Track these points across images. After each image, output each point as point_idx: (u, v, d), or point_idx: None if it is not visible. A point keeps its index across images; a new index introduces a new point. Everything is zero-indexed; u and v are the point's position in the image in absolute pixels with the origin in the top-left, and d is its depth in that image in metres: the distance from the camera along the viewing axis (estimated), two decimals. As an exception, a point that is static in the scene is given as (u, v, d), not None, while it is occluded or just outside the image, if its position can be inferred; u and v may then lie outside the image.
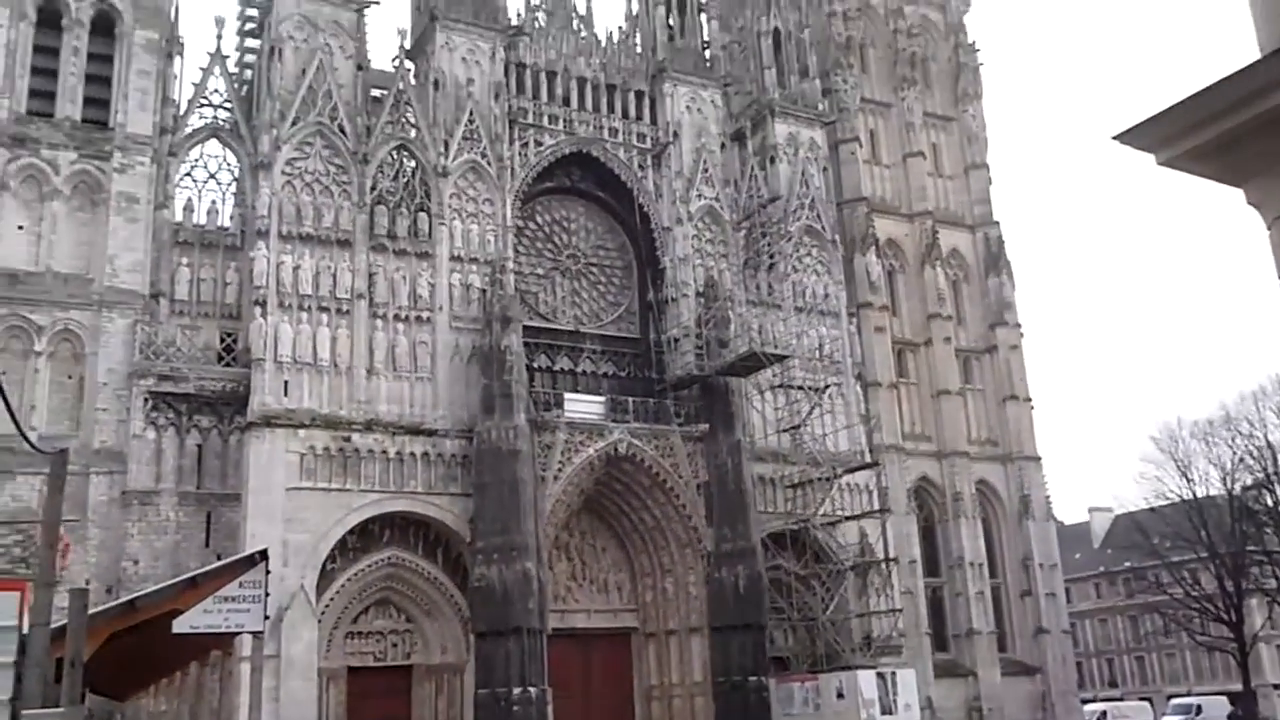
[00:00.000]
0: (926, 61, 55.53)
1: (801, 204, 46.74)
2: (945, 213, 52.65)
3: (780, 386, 42.65)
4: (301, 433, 34.57)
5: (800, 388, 42.87)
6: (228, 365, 36.02)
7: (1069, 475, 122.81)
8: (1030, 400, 50.99)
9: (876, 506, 43.67)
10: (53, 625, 11.27)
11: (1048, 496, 50.58)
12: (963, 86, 55.01)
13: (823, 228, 46.92)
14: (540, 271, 42.63)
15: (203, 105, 38.50)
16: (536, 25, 44.08)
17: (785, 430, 42.13)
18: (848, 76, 51.36)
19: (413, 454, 36.17)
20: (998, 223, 53.16)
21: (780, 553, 40.48)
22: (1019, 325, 51.86)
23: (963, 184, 53.95)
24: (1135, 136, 5.07)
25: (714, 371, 40.94)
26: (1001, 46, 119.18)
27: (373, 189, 38.36)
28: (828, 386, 43.49)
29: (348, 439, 35.26)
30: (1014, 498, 49.63)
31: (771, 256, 45.24)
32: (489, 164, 40.43)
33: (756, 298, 44.43)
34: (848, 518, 42.52)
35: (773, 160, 47.38)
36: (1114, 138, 5.11)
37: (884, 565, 42.09)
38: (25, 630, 10.68)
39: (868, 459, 44.36)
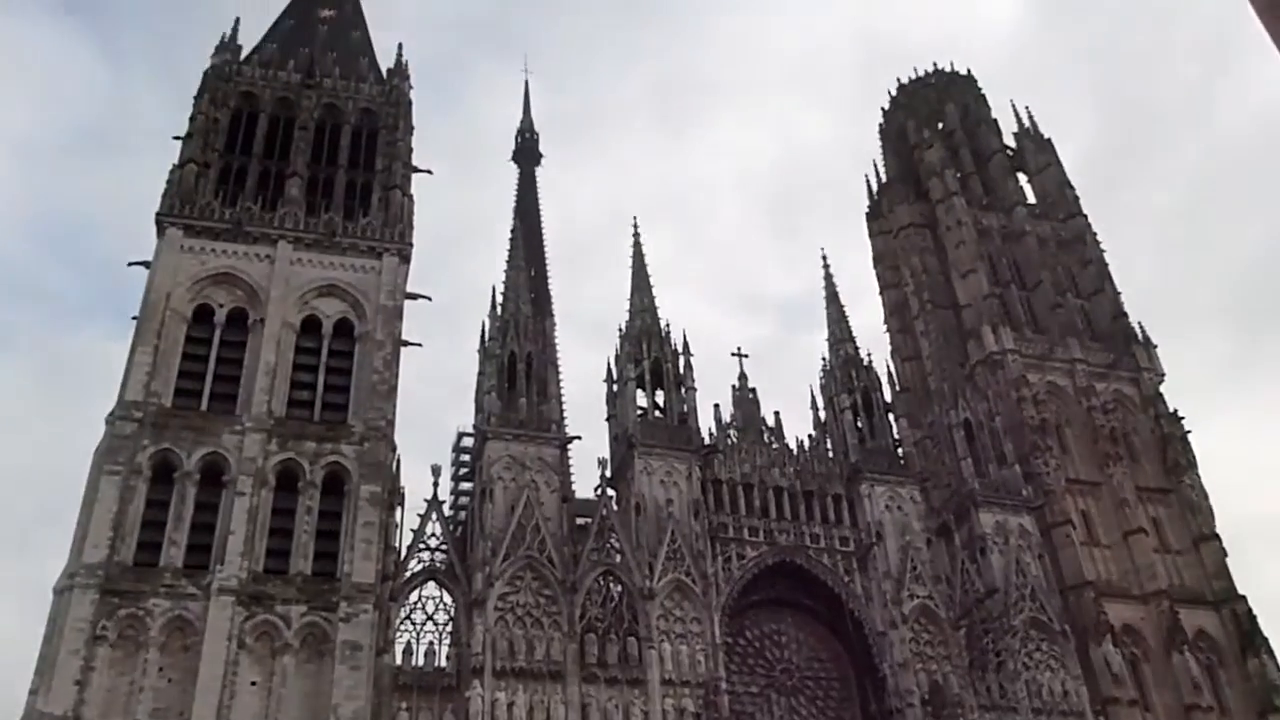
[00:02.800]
0: (1129, 435, 54.25)
1: (1021, 595, 44.47)
2: (1182, 590, 49.01)
3: (1031, 803, 38.47)
4: None
5: (1054, 803, 38.57)
6: (444, 814, 35.10)
7: None
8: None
9: None
10: None
11: None
12: (1172, 458, 53.06)
13: (1049, 618, 44.19)
14: (755, 690, 41.11)
15: (421, 550, 40.41)
16: (729, 442, 45.58)
17: None
18: (1048, 459, 50.44)
19: None
20: (1244, 597, 48.95)
21: None
22: (1294, 712, 46.10)
23: (1194, 558, 50.53)
24: None
25: (953, 790, 37.43)
26: (1209, 411, 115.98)
27: (581, 617, 38.66)
28: (1085, 799, 39.02)
29: None
30: None
31: (998, 654, 42.52)
32: (694, 582, 40.48)
33: (989, 701, 41.31)
34: None
35: (983, 552, 45.83)
36: None
37: None
38: None
39: None
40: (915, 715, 39.97)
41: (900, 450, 47.82)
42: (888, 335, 61.39)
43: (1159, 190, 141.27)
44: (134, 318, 43.36)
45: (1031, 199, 64.36)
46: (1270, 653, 47.49)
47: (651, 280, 49.08)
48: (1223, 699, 46.67)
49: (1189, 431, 54.52)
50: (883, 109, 71.38)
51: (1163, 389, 56.17)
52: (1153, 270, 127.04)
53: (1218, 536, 51.00)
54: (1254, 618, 48.37)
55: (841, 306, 52.02)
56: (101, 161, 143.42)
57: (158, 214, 45.69)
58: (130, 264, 45.26)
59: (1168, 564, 50.14)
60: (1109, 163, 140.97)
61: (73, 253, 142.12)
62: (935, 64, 71.59)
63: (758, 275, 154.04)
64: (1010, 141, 67.45)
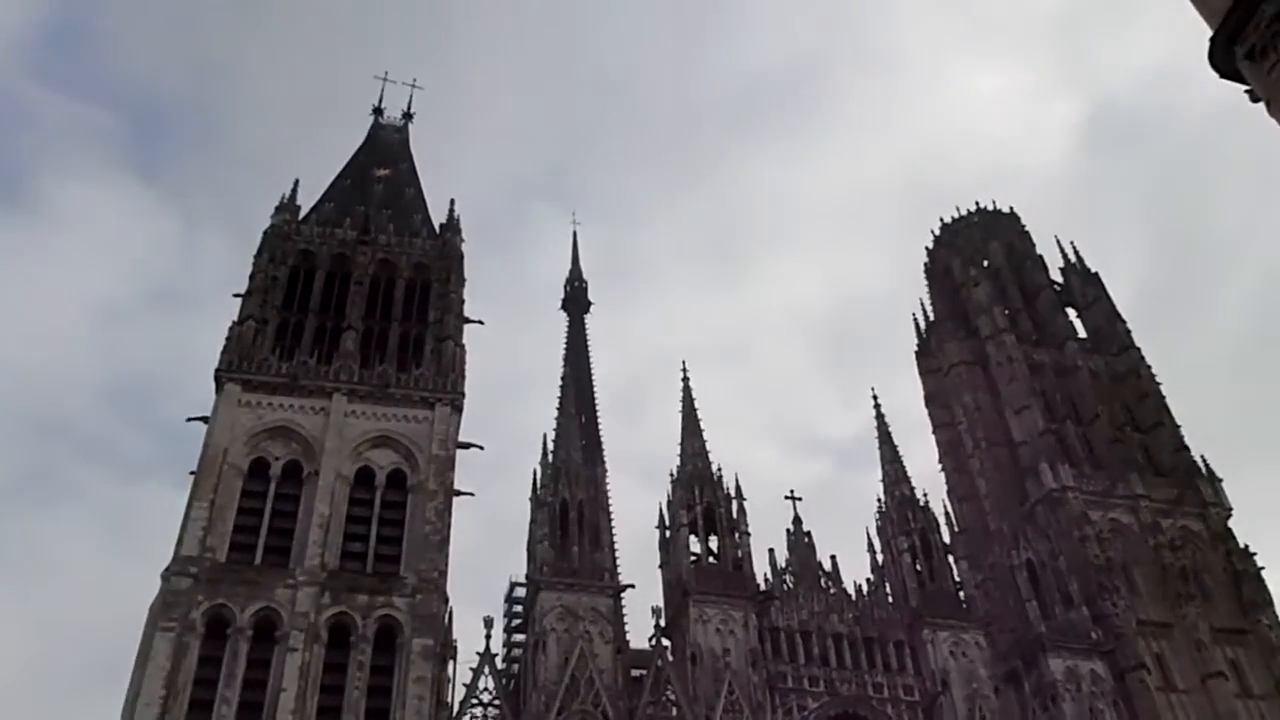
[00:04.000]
0: (1199, 573, 52.42)
1: (1099, 746, 42.51)
2: (1268, 738, 46.60)
3: None
4: None
5: None
6: None
7: None
8: None
9: None
10: None
11: None
12: (1248, 596, 51.13)
13: (1129, 771, 42.10)
14: None
15: (474, 705, 39.58)
16: (785, 588, 44.71)
17: None
18: (1116, 600, 48.81)
19: None
20: (1336, 749, 46.43)
21: None
22: None
23: (1278, 702, 48.12)
24: None
25: None
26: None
27: (639, 775, 37.42)
28: None
29: None
30: None
31: (1077, 811, 40.38)
32: (754, 735, 39.17)
33: None
34: None
35: (1054, 699, 44.06)
36: None
37: None
38: None
39: None
40: None
41: (962, 593, 46.56)
42: (943, 475, 60.50)
43: (1218, 321, 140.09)
44: (191, 472, 43.95)
45: (1082, 333, 64.00)
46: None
47: (703, 423, 49.12)
48: None
49: (1263, 568, 52.69)
50: (927, 248, 71.98)
51: (1231, 524, 54.55)
52: (1215, 403, 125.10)
53: (1304, 681, 48.71)
54: (1349, 768, 45.78)
55: (895, 447, 51.55)
56: (171, 319, 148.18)
57: (216, 370, 46.67)
58: (189, 419, 46.17)
59: (1251, 709, 47.80)
60: (1165, 296, 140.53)
61: (141, 409, 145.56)
62: (978, 202, 72.49)
63: (811, 417, 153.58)
64: (1057, 277, 67.52)
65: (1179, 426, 58.52)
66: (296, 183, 56.54)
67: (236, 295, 50.30)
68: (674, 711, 39.75)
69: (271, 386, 46.67)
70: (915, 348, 67.03)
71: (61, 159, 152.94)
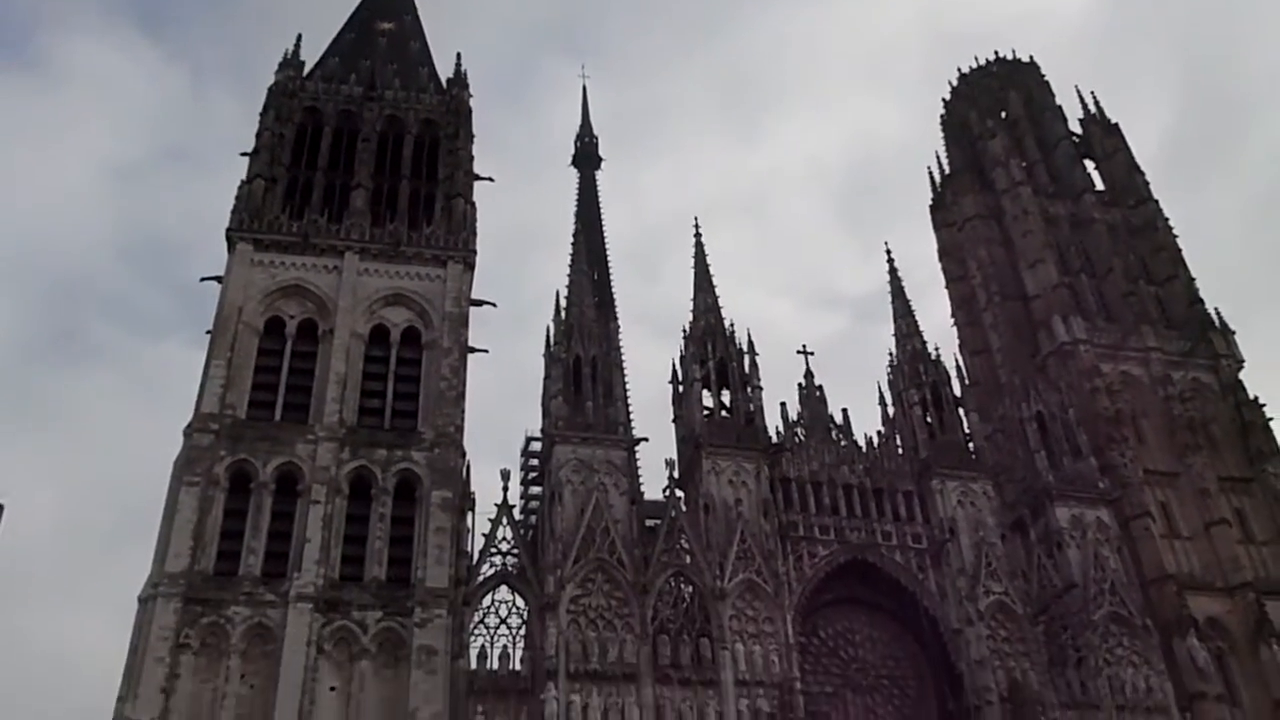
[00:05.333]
0: (1208, 424, 52.92)
1: (1101, 589, 43.58)
2: (1268, 583, 47.64)
3: (1117, 802, 37.66)
4: None
5: (1140, 801, 37.70)
6: (522, 817, 35.31)
7: None
8: None
9: None
10: None
11: None
12: (1255, 446, 51.68)
13: (1130, 613, 43.25)
14: (829, 689, 40.75)
15: (493, 554, 40.59)
16: (797, 440, 45.27)
17: None
18: (1124, 450, 49.43)
19: None
20: (1333, 588, 47.54)
21: None
22: (1391, 704, 44.64)
23: (1277, 551, 49.13)
24: None
25: (1036, 789, 36.83)
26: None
27: (654, 619, 38.67)
28: (1173, 797, 38.08)
29: None
30: None
31: (1078, 650, 41.70)
32: (765, 581, 40.29)
33: (1069, 698, 40.48)
34: None
35: (1060, 546, 45.00)
36: None
37: None
38: None
39: None
40: (994, 713, 39.35)
41: (971, 445, 47.05)
42: (955, 329, 60.56)
43: (1241, 174, 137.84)
44: (208, 332, 44.35)
45: (1100, 186, 63.10)
46: (1362, 644, 46.01)
47: (716, 279, 48.90)
48: (1314, 693, 45.31)
49: (1272, 419, 53.08)
50: (944, 99, 70.47)
51: (1243, 376, 54.79)
52: (1233, 257, 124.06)
53: (1304, 526, 49.59)
54: (1345, 609, 46.91)
55: (907, 301, 51.43)
56: (183, 178, 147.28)
57: (228, 229, 46.67)
58: (203, 279, 46.34)
59: (1252, 555, 48.83)
60: (1189, 148, 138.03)
61: (159, 268, 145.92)
62: (997, 52, 70.62)
63: (827, 272, 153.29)
64: (1076, 128, 66.22)
65: (1194, 279, 58.25)
66: (299, 38, 55.52)
67: (244, 154, 49.91)
68: (687, 560, 40.78)
69: (283, 245, 46.70)
70: (930, 202, 66.28)
71: (64, 13, 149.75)
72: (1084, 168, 63.72)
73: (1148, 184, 62.12)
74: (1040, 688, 40.11)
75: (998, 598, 42.21)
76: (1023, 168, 61.99)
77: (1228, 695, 43.65)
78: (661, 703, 36.98)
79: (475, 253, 48.29)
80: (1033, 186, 60.67)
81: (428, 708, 36.31)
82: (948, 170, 65.86)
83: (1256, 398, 53.65)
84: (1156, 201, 61.11)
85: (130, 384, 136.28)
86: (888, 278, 52.62)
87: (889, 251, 53.22)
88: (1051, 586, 43.17)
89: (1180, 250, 59.43)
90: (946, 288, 62.39)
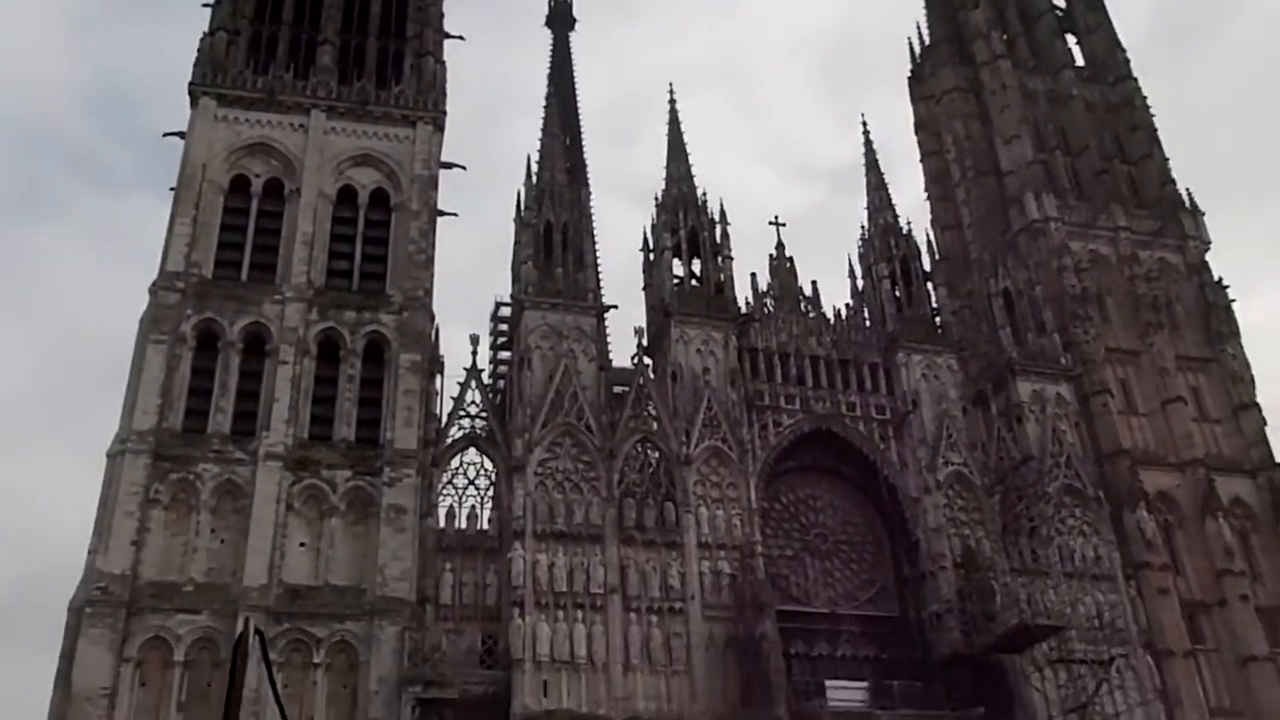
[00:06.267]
0: (1171, 304, 53.54)
1: (1057, 463, 44.71)
2: (1218, 459, 49.00)
3: (1060, 661, 39.24)
4: (563, 735, 34.22)
5: (1083, 661, 39.30)
6: (489, 668, 36.44)
7: None
8: (1359, 661, 44.84)
9: (1192, 796, 38.62)
10: None
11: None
12: (1215, 326, 52.43)
13: (1084, 486, 44.48)
14: (790, 553, 41.88)
15: (461, 417, 41.02)
16: (766, 311, 45.43)
17: (1072, 710, 38.37)
18: (1088, 328, 50.01)
19: (674, 753, 35.01)
20: (1280, 465, 48.96)
21: None
22: (1328, 577, 46.49)
23: (1233, 427, 50.34)
24: None
25: (983, 649, 38.39)
26: (1258, 282, 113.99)
27: (619, 483, 39.37)
28: (1114, 659, 39.69)
29: (609, 740, 34.59)
30: (1360, 778, 42.82)
31: (1032, 520, 42.95)
32: (730, 449, 40.96)
33: (1021, 565, 41.85)
34: (1159, 810, 37.70)
35: (1020, 420, 45.92)
36: None
37: None
38: None
39: (1173, 740, 39.69)
40: (947, 578, 40.66)
41: (938, 319, 47.47)
42: (928, 204, 60.37)
43: (1226, 56, 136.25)
44: (171, 189, 43.55)
45: (1081, 62, 62.31)
46: (1306, 519, 47.61)
47: (691, 148, 48.22)
48: (1255, 564, 47.06)
49: (1233, 300, 53.76)
50: (927, -32, 68.68)
51: (1209, 258, 55.21)
52: (1212, 139, 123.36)
53: (1258, 406, 50.69)
54: (1291, 485, 48.38)
55: (881, 174, 51.06)
56: (145, 28, 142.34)
57: (190, 84, 45.43)
58: (166, 135, 45.26)
59: (1206, 433, 50.04)
60: (1175, 28, 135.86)
61: (123, 123, 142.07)
62: (983, -81, 68.52)
63: (804, 142, 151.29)
64: (1060, 1, 64.98)
65: (1168, 159, 58.08)
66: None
67: (205, 4, 48.27)
68: (654, 426, 41.33)
69: (247, 101, 45.58)
70: (909, 74, 65.26)
71: None
72: (1065, 42, 62.74)
73: (1128, 61, 61.36)
74: (993, 555, 41.40)
75: (956, 468, 43.21)
76: (1003, 40, 60.96)
77: (1172, 565, 45.22)
78: (626, 563, 37.91)
79: (445, 114, 47.34)
80: (1013, 60, 59.78)
81: (397, 564, 37.07)
82: (928, 41, 64.69)
83: (1221, 279, 54.24)
84: (1135, 79, 60.44)
85: (97, 241, 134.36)
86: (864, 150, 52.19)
87: (865, 123, 52.79)
88: (1009, 459, 44.18)
89: (1156, 129, 59.14)
90: (921, 162, 61.97)
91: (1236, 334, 52.67)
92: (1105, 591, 42.47)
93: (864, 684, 38.61)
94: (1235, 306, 53.51)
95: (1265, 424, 50.21)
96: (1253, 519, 48.09)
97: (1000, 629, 38.08)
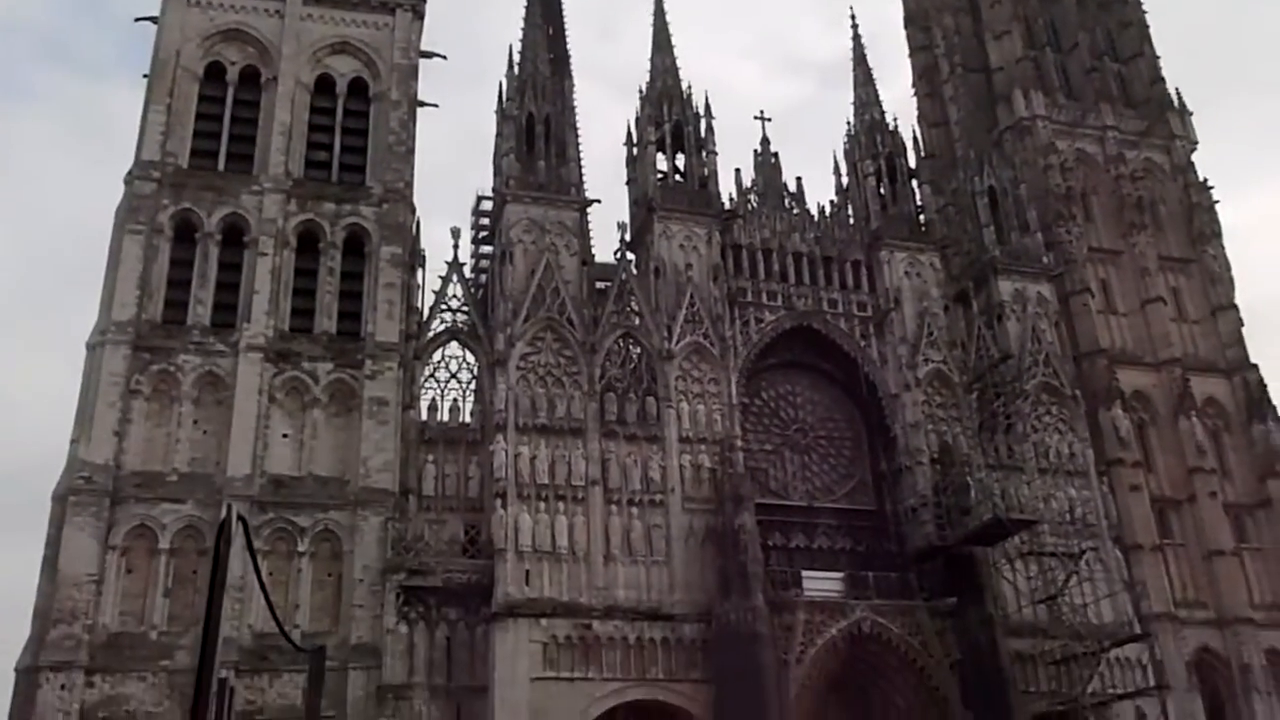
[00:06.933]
0: (1155, 205, 53.51)
1: (1035, 361, 45.06)
2: (1195, 359, 49.53)
3: (1031, 554, 40.11)
4: (544, 621, 34.92)
5: (1053, 554, 40.17)
6: (472, 557, 37.02)
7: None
8: (1320, 558, 46.05)
9: (1152, 683, 39.88)
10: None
11: (1355, 666, 44.92)
12: (1198, 227, 52.48)
13: (1061, 384, 44.91)
14: (769, 447, 42.34)
15: (443, 310, 40.96)
16: (750, 207, 45.12)
17: (1041, 601, 39.38)
18: (1071, 227, 49.98)
19: (652, 639, 35.83)
20: (1256, 366, 49.47)
21: (1048, 737, 37.33)
22: (1296, 476, 47.38)
23: (1211, 327, 50.78)
24: None
25: (957, 541, 39.11)
26: (1238, 179, 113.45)
27: (601, 377, 39.51)
28: (1084, 552, 40.57)
29: (588, 626, 35.33)
30: (1316, 670, 44.31)
31: (1008, 417, 43.44)
32: (712, 344, 41.06)
33: (996, 461, 42.47)
34: (1121, 696, 38.94)
35: (1000, 318, 46.12)
36: None
37: (1169, 749, 38.09)
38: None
39: (1136, 630, 40.81)
40: (924, 474, 41.25)
41: (922, 217, 47.29)
42: (915, 100, 59.63)
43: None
44: (145, 75, 42.60)
45: (1074, -46, 60.98)
46: (1276, 420, 48.34)
47: (677, 40, 47.27)
48: (1225, 463, 47.91)
49: (1217, 202, 53.72)
50: None
51: (1196, 158, 55.00)
52: (1205, 38, 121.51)
53: (1236, 307, 51.06)
54: (1264, 386, 49.02)
55: (869, 69, 50.31)
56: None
57: (161, -35, 44.09)
58: (138, 19, 44.10)
59: (1183, 333, 50.46)
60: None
61: (99, 4, 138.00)
62: None
63: (793, 36, 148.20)
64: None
65: (1158, 58, 57.42)
66: None
67: (174, -117, 46.53)
68: (636, 321, 41.35)
69: (220, -16, 44.31)
70: (899, -35, 63.79)
71: None
72: (1059, -65, 61.35)
73: (1122, -45, 60.15)
74: (969, 451, 41.93)
75: (936, 366, 43.50)
76: (997, -68, 59.51)
77: (1144, 462, 45.99)
78: (607, 456, 38.26)
79: (424, 0, 46.22)
80: (1005, -47, 58.47)
81: (379, 455, 37.36)
82: (920, -68, 63.10)
83: (1206, 180, 54.10)
84: (1129, -27, 59.38)
85: (72, 129, 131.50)
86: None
87: (853, 17, 51.81)
88: (989, 356, 44.48)
89: (1148, 27, 58.31)
90: (910, 57, 61.08)
91: (1218, 235, 52.77)
92: (1078, 487, 43.20)
93: (839, 575, 39.38)
94: (1219, 207, 53.58)
95: (1242, 325, 50.70)
96: (1225, 418, 48.81)
97: (974, 523, 38.76)
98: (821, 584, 38.64)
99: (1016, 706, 36.75)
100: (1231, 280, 51.64)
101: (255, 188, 40.87)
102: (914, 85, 59.96)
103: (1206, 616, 43.87)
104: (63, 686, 32.65)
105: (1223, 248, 52.55)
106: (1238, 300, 51.26)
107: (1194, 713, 40.85)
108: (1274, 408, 48.69)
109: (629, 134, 45.63)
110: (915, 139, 49.46)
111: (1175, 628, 42.26)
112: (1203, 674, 42.87)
